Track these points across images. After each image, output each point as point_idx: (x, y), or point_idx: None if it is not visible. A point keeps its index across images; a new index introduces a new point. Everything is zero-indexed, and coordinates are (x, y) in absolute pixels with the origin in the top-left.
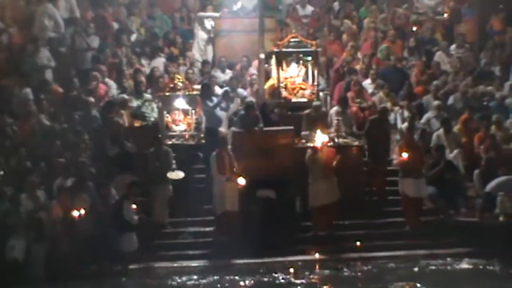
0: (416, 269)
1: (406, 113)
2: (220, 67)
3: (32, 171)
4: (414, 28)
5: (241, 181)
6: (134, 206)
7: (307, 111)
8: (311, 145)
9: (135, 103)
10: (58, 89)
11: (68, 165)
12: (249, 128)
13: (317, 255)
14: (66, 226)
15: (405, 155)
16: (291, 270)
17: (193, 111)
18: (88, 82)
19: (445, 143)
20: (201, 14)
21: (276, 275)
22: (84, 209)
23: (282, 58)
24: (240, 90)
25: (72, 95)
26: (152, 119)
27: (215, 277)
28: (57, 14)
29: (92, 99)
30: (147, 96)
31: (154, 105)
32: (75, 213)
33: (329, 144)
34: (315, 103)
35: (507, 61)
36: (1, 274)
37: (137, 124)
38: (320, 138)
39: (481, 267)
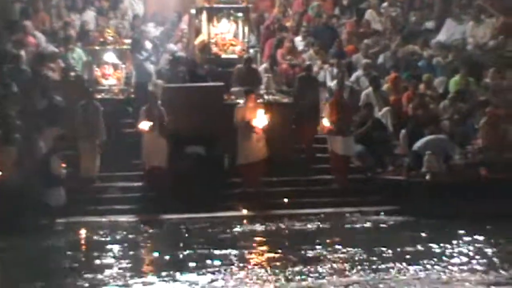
0: (342, 226)
1: (335, 71)
2: (152, 21)
3: None
4: None
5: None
6: (61, 160)
7: (238, 66)
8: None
9: (64, 56)
10: None
11: None
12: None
13: (245, 211)
14: None
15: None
16: (219, 225)
17: (123, 65)
18: (17, 34)
19: (374, 101)
20: None
21: (203, 229)
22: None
23: (213, 14)
24: (170, 45)
25: (0, 47)
26: (81, 72)
27: (143, 233)
28: None
29: (22, 52)
30: (77, 49)
31: (84, 59)
32: None
33: (258, 101)
34: (246, 55)
35: (436, 20)
36: None
37: (66, 77)
38: (261, 120)
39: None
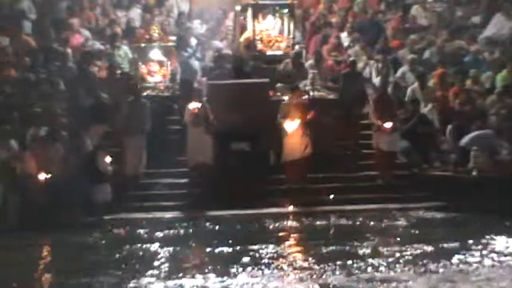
0: (387, 222)
1: (381, 67)
2: (197, 18)
3: (6, 121)
4: None
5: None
6: (108, 157)
7: (286, 61)
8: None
9: (110, 54)
10: (31, 39)
11: (41, 115)
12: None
13: (290, 208)
14: (39, 178)
15: (388, 125)
16: (265, 221)
17: (168, 62)
18: (63, 32)
19: (420, 97)
20: None
21: (249, 225)
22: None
23: (258, 11)
24: (215, 42)
25: (47, 45)
26: (128, 70)
27: (189, 229)
28: None
29: (68, 50)
30: (123, 47)
31: (130, 56)
32: (47, 172)
33: (303, 97)
34: (294, 51)
35: (482, 15)
36: None
37: (112, 75)
38: (291, 125)
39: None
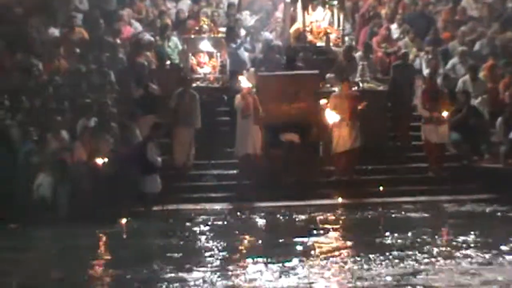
0: (438, 214)
1: (430, 59)
2: (247, 10)
3: (56, 111)
4: None
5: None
6: (157, 148)
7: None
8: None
9: (161, 45)
10: (82, 30)
11: (92, 106)
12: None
13: (339, 199)
14: (89, 168)
15: (445, 114)
16: (314, 213)
17: (218, 54)
18: (113, 23)
19: (471, 89)
20: None
21: (298, 216)
22: (106, 156)
23: (308, 2)
24: (265, 34)
25: (98, 36)
26: (177, 61)
27: (238, 220)
28: None
29: (118, 41)
30: (173, 38)
31: (180, 47)
32: (99, 161)
33: (354, 88)
34: (347, 44)
35: None
36: (30, 212)
37: (162, 66)
38: (331, 117)
39: (502, 213)
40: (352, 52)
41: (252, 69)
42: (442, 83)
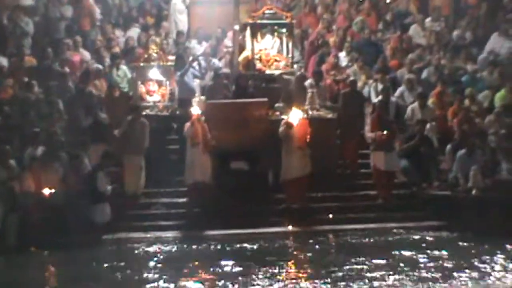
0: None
1: (380, 86)
2: (196, 38)
3: (4, 140)
4: (388, 0)
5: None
6: (107, 176)
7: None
8: (286, 118)
9: (109, 73)
10: (31, 59)
11: (40, 135)
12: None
13: (289, 227)
14: (38, 198)
15: (384, 132)
16: (264, 240)
17: (167, 82)
18: (62, 51)
19: (420, 116)
20: None
21: (247, 245)
22: (54, 185)
23: (257, 30)
24: (214, 61)
25: (46, 64)
26: (126, 89)
27: (188, 247)
28: None
29: (67, 69)
30: (122, 66)
31: (129, 76)
32: (46, 191)
33: (303, 116)
34: (300, 73)
35: (480, 36)
36: None
37: (111, 94)
38: (295, 115)
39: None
40: (304, 81)
41: (202, 97)
42: (393, 111)
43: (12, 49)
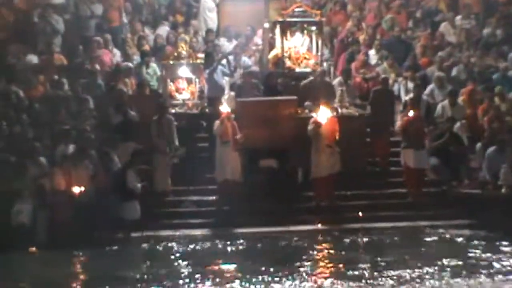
0: (417, 239)
1: (410, 84)
2: (225, 36)
3: (35, 138)
4: None
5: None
6: (136, 174)
7: (309, 79)
8: (314, 116)
9: (139, 71)
10: (61, 57)
11: (70, 132)
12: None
13: (319, 225)
14: (68, 195)
15: (411, 113)
16: (293, 239)
17: (197, 80)
18: (92, 49)
19: (450, 114)
20: None
21: (277, 243)
22: (84, 183)
23: (287, 28)
24: (244, 59)
25: (76, 62)
26: (156, 87)
27: (217, 245)
28: None
29: (97, 67)
30: (152, 64)
31: (158, 73)
32: (76, 189)
33: (332, 114)
34: (320, 69)
35: (511, 33)
36: (8, 238)
37: (141, 92)
38: (323, 113)
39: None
40: (324, 76)
41: (232, 94)
42: (423, 109)
43: (42, 47)
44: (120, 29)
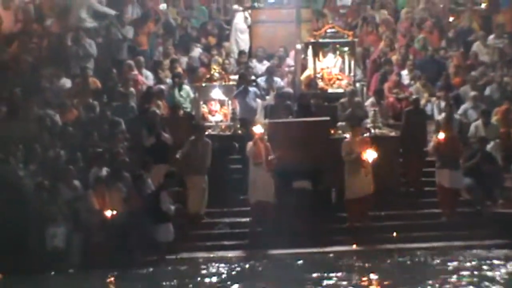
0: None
1: (443, 104)
2: (257, 57)
3: (69, 161)
4: (451, 19)
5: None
6: (170, 196)
7: (341, 101)
8: (348, 138)
9: (172, 93)
10: (95, 80)
11: (103, 155)
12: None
13: (353, 246)
14: (101, 218)
15: (441, 135)
16: (328, 260)
17: (229, 102)
18: (125, 72)
19: (483, 133)
20: (238, 5)
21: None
22: (118, 205)
23: (319, 49)
24: (276, 80)
25: (109, 85)
26: (189, 109)
27: (251, 266)
28: (94, 5)
29: (132, 89)
30: (185, 86)
31: (191, 95)
32: (108, 213)
33: (365, 135)
34: (350, 89)
35: None
36: (43, 261)
37: (174, 114)
38: (370, 154)
39: None
40: (354, 98)
41: (262, 117)
42: (457, 129)
43: (75, 70)
44: (149, 53)
